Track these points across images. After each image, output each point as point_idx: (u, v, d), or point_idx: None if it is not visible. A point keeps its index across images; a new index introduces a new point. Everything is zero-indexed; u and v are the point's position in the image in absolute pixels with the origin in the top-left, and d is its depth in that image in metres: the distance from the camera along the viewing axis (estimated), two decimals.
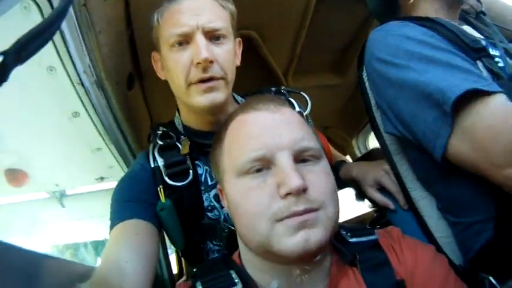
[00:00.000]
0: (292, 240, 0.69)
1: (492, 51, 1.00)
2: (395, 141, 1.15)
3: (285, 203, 0.71)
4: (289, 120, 0.81)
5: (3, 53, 0.48)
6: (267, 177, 0.75)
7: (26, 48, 0.53)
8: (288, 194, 0.70)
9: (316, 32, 1.83)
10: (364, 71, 1.19)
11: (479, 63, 0.97)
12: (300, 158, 0.77)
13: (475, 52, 0.98)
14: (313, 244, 0.68)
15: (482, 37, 1.08)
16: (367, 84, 1.23)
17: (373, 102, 1.21)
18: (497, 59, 0.98)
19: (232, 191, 0.80)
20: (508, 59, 1.00)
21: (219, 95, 1.07)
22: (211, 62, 1.03)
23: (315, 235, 0.69)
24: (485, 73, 0.95)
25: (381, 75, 1.03)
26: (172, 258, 2.33)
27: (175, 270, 2.32)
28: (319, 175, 0.76)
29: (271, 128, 0.78)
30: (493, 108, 0.81)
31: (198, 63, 1.02)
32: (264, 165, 0.75)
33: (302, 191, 0.70)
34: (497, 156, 0.79)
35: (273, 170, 0.75)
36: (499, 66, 0.97)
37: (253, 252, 0.79)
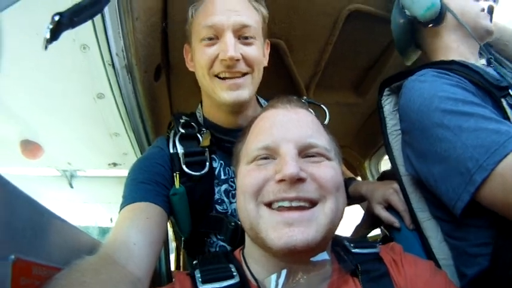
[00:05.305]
0: (275, 233, 0.71)
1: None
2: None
3: (277, 187, 0.74)
4: (301, 118, 0.85)
5: (60, 14, 0.52)
6: (269, 165, 0.78)
7: (78, 14, 0.57)
8: (282, 180, 0.73)
9: (341, 49, 1.85)
10: (386, 99, 1.31)
11: (504, 101, 1.00)
12: (306, 153, 0.79)
13: (500, 90, 1.02)
14: (299, 241, 0.69)
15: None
16: (385, 109, 1.30)
17: (389, 127, 1.28)
18: None
19: (239, 176, 0.86)
20: None
21: (244, 92, 1.11)
22: (237, 60, 1.07)
23: (303, 234, 0.70)
24: (509, 110, 0.98)
25: (414, 124, 1.06)
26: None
27: (173, 267, 2.32)
28: (323, 169, 0.78)
29: (282, 123, 0.83)
30: None
31: (224, 60, 1.06)
32: (269, 154, 0.80)
33: (297, 180, 0.73)
34: None
35: (277, 160, 0.78)
36: None
37: (252, 240, 0.81)
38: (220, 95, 1.10)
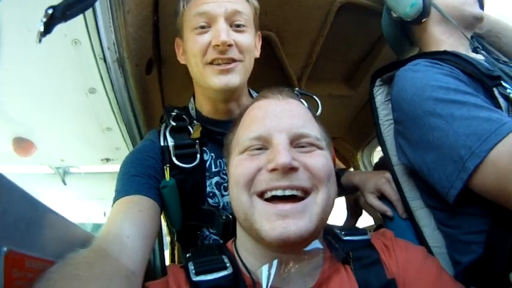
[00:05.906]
0: (269, 225, 0.72)
1: (503, 83, 1.04)
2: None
3: (269, 176, 0.75)
4: (293, 108, 0.86)
5: (53, 7, 0.52)
6: (262, 155, 0.79)
7: (71, 8, 0.57)
8: (274, 169, 0.74)
9: (333, 41, 1.85)
10: (378, 89, 1.32)
11: (495, 90, 1.01)
12: (298, 143, 0.80)
13: (492, 80, 1.03)
14: (293, 233, 0.70)
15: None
16: (377, 99, 1.31)
17: (381, 117, 1.29)
18: (508, 90, 1.02)
19: (231, 166, 0.86)
20: None
21: (235, 78, 1.10)
22: (230, 45, 1.08)
23: (296, 225, 0.71)
24: (501, 100, 0.99)
25: (407, 113, 1.06)
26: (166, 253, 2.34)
27: (167, 262, 2.32)
28: (315, 158, 0.79)
29: (274, 113, 0.83)
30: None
31: (217, 45, 1.06)
32: (262, 145, 0.80)
33: (290, 169, 0.73)
34: None
35: (269, 150, 0.79)
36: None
37: (245, 231, 0.82)
38: (210, 81, 1.10)
